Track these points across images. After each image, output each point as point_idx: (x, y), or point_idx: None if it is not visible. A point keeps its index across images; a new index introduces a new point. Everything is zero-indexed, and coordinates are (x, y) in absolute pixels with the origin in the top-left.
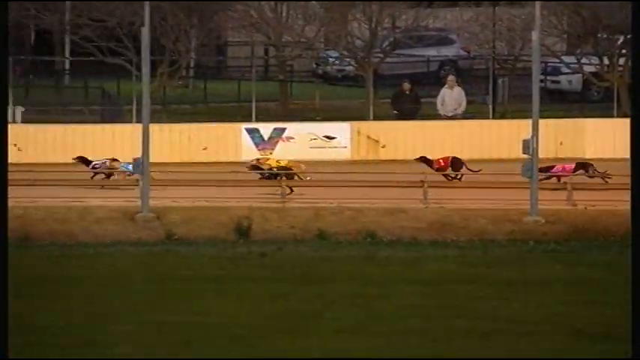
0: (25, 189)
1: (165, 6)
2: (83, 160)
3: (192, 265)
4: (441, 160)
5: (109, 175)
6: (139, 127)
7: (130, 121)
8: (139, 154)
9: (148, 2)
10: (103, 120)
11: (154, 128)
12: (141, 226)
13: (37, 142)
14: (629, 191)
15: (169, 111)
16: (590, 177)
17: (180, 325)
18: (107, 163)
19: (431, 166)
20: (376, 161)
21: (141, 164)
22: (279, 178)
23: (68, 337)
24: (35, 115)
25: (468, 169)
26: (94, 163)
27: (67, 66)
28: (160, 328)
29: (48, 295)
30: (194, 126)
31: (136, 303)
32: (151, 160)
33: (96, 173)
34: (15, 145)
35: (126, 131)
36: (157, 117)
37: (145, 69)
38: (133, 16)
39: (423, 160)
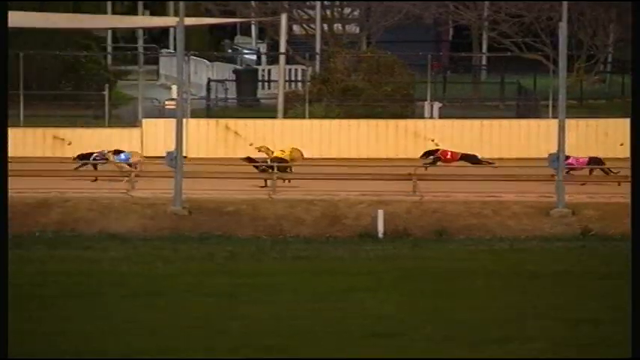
0: (441, 183)
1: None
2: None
3: (609, 260)
4: (448, 153)
5: (94, 166)
6: (554, 122)
7: (546, 117)
8: (554, 149)
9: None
10: (519, 115)
11: (570, 123)
12: (556, 222)
13: (453, 137)
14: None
15: (585, 106)
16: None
17: (594, 323)
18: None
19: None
20: None
21: (556, 159)
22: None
23: (481, 332)
24: (452, 110)
25: (486, 162)
26: (94, 154)
27: (484, 61)
28: (570, 326)
29: (465, 288)
30: (611, 121)
31: (551, 298)
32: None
33: (83, 165)
34: (432, 140)
35: (541, 126)
36: (573, 112)
37: (562, 64)
38: (550, 12)
39: (430, 153)
